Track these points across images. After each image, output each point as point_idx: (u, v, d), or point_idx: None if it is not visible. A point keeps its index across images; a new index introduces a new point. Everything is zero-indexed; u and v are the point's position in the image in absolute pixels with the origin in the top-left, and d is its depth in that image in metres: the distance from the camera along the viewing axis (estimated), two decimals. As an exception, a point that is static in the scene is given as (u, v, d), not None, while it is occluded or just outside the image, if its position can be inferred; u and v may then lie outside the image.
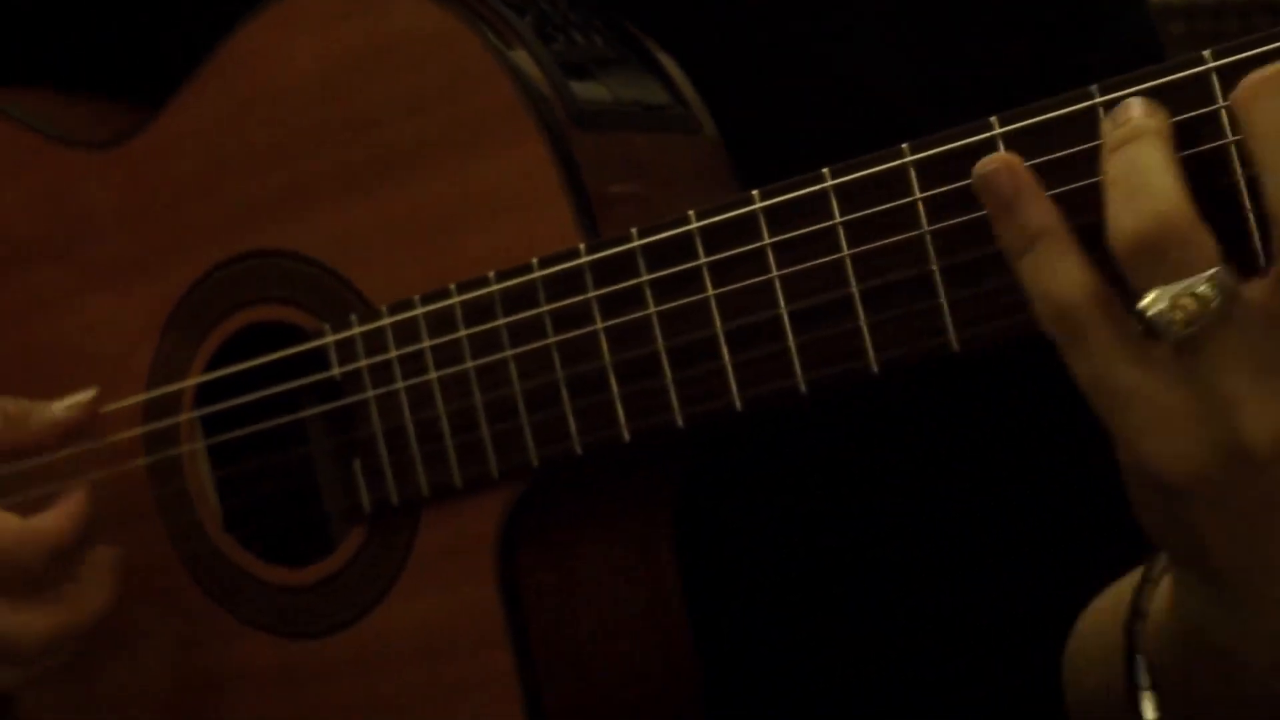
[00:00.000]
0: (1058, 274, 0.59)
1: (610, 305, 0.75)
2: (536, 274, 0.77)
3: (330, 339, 0.83)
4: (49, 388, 0.93)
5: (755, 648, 0.91)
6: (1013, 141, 0.63)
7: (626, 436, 0.75)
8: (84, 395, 0.86)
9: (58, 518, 0.81)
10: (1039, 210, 0.60)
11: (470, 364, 0.79)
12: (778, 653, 0.90)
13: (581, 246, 0.75)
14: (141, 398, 0.90)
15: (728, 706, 0.89)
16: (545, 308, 0.76)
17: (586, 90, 0.80)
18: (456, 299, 0.79)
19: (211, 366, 0.88)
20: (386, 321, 0.81)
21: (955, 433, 0.87)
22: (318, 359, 0.84)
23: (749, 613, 0.91)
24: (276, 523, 0.91)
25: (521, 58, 0.78)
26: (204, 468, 0.90)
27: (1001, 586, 0.88)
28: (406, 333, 0.81)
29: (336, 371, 0.83)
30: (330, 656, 0.86)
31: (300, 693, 0.87)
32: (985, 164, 0.61)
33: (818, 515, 0.87)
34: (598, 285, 0.75)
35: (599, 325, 0.75)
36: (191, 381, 0.89)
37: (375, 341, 0.82)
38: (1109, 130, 0.59)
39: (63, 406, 0.85)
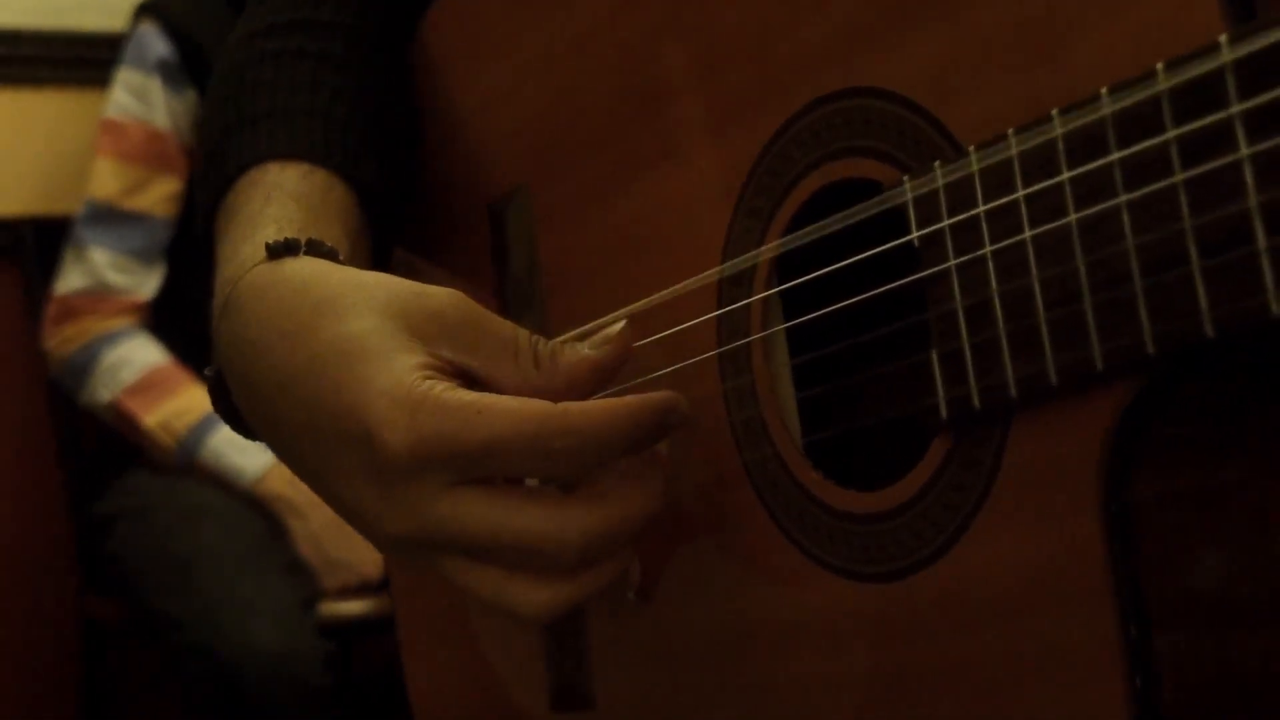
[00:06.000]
0: None
1: (1263, 121, 0.52)
2: (1161, 84, 0.55)
3: (908, 193, 0.65)
4: (627, 274, 0.82)
5: None
6: None
7: (1275, 310, 0.52)
8: (614, 328, 0.72)
9: (602, 409, 0.68)
10: None
11: (1073, 216, 0.58)
12: None
13: (1223, 39, 0.53)
14: (704, 278, 0.76)
15: None
16: (1171, 133, 0.54)
17: None
18: (1058, 129, 0.59)
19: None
20: (973, 166, 0.62)
21: None
22: (899, 221, 0.66)
23: None
24: (862, 431, 0.74)
25: None
26: (779, 361, 0.74)
27: None
28: (997, 179, 0.61)
29: (914, 235, 0.65)
30: (905, 604, 0.67)
31: (870, 648, 0.69)
32: None
33: None
34: (1245, 96, 0.52)
35: (1243, 152, 0.52)
36: (760, 253, 0.74)
37: (960, 193, 0.63)
38: None
39: (595, 342, 0.71)
